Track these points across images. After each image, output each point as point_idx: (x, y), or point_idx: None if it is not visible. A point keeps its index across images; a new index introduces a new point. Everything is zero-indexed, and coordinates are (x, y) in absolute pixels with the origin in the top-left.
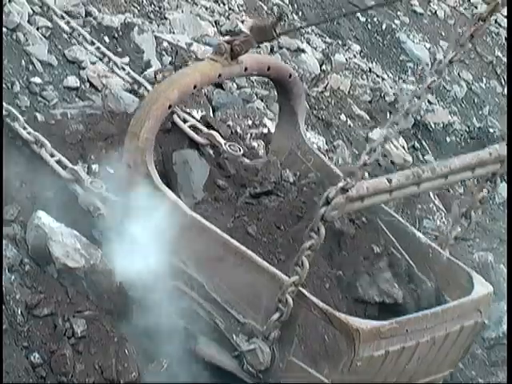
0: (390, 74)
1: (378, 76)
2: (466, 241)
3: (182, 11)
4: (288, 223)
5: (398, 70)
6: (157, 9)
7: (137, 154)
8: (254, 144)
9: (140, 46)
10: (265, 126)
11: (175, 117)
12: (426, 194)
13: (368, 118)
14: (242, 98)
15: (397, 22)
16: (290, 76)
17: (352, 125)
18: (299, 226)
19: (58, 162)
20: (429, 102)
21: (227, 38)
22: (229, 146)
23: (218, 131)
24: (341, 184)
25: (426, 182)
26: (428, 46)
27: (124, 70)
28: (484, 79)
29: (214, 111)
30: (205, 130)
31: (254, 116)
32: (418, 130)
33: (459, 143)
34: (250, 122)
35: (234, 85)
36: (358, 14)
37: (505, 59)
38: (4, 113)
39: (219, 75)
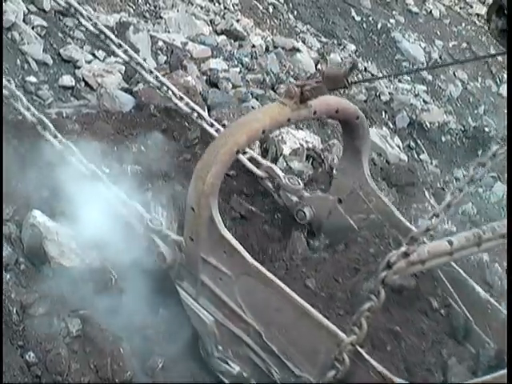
0: (386, 73)
1: (373, 75)
2: None
3: (178, 10)
4: (346, 276)
5: (393, 70)
6: (152, 8)
7: (202, 198)
8: None
9: (135, 45)
10: None
11: None
12: (421, 194)
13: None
14: (238, 97)
15: (392, 21)
16: (358, 118)
17: None
18: (357, 279)
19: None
20: (424, 101)
21: (298, 82)
22: (288, 179)
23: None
24: (403, 249)
25: (486, 243)
26: (423, 45)
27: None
28: (479, 78)
29: (209, 110)
30: (264, 162)
31: None
32: (413, 129)
33: (454, 142)
34: None
35: (230, 84)
36: (353, 13)
37: (500, 58)
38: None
39: (288, 119)
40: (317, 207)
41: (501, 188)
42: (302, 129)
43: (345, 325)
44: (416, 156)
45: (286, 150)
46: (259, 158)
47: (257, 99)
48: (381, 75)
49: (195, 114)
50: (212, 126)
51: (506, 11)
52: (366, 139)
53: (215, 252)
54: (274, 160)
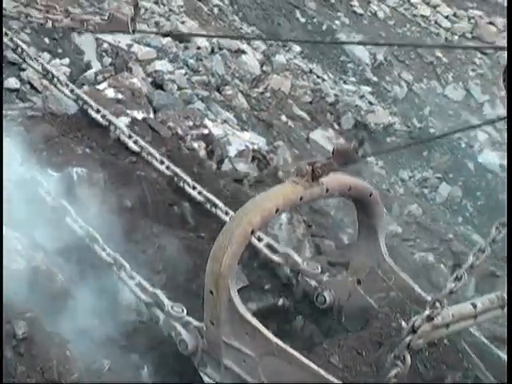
0: (331, 75)
1: (318, 77)
2: (407, 241)
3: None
4: (369, 350)
5: (338, 71)
6: (97, 10)
7: (219, 280)
8: (195, 145)
9: (80, 47)
10: (205, 126)
11: None
12: None
13: (309, 118)
14: (183, 98)
15: (337, 22)
16: (371, 195)
17: (293, 125)
18: (381, 352)
19: (138, 284)
20: (369, 102)
21: (309, 160)
22: (307, 264)
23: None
24: (427, 312)
25: None
26: (368, 46)
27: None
28: (424, 80)
29: (155, 112)
30: (280, 249)
31: (195, 117)
32: (358, 130)
33: (399, 144)
34: (190, 123)
35: (175, 86)
36: (298, 14)
37: (445, 59)
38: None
39: (301, 198)
40: (336, 290)
41: (446, 189)
42: (247, 130)
43: None
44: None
45: (232, 152)
46: (276, 245)
47: (202, 101)
48: (326, 77)
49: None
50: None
51: None
52: (380, 216)
53: (237, 334)
54: (220, 162)
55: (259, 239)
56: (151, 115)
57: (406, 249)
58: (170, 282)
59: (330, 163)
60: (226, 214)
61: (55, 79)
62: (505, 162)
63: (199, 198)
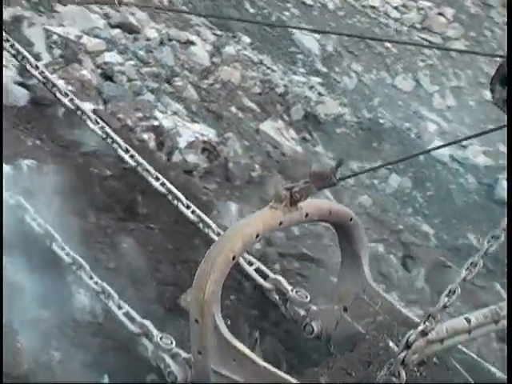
0: (280, 66)
1: (268, 68)
2: None
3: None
4: (358, 369)
5: (288, 62)
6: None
7: (204, 307)
8: (145, 136)
9: (30, 38)
10: (155, 118)
11: (241, 259)
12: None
13: (259, 110)
14: (133, 90)
15: (286, 13)
16: (351, 219)
17: (243, 117)
18: (370, 370)
19: (126, 314)
20: (319, 93)
21: (287, 185)
22: (295, 292)
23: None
24: (421, 327)
25: (504, 319)
26: (318, 37)
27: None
28: (374, 70)
29: (104, 104)
30: (271, 275)
31: (145, 109)
32: (308, 121)
33: (349, 134)
34: (140, 115)
35: (125, 77)
36: (247, 5)
37: (394, 50)
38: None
39: (280, 223)
40: (324, 319)
41: (396, 179)
42: (197, 122)
43: None
44: (311, 148)
45: (182, 143)
46: (267, 271)
47: (152, 92)
48: (275, 68)
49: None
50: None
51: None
52: (362, 241)
53: (225, 362)
54: (170, 153)
55: (250, 263)
56: (101, 107)
57: None
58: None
59: (308, 187)
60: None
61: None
62: (455, 153)
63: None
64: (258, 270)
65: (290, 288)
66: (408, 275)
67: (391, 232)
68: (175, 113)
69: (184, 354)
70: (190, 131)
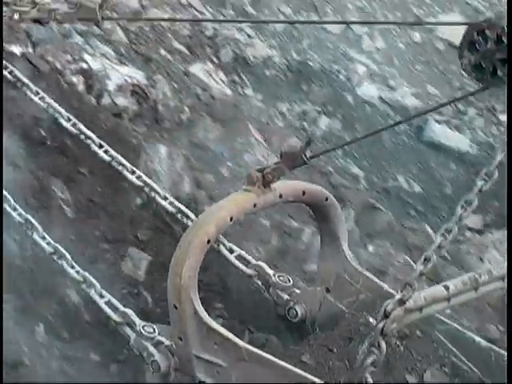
0: (210, 9)
1: (197, 10)
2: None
3: None
4: (340, 345)
5: (216, 5)
6: None
7: (182, 293)
8: (74, 79)
9: None
10: (84, 61)
11: (221, 247)
12: (246, 128)
13: (187, 52)
14: (61, 33)
15: None
16: (327, 199)
17: (172, 59)
18: (352, 345)
19: (108, 303)
20: (248, 35)
21: (258, 167)
22: (278, 276)
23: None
24: (398, 296)
25: (483, 286)
26: None
27: None
28: (303, 13)
29: (34, 47)
30: (253, 261)
31: (73, 51)
32: (237, 63)
33: (278, 76)
34: (69, 58)
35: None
36: None
37: None
38: None
39: (254, 205)
40: (307, 302)
41: (325, 121)
42: (126, 65)
43: None
44: (240, 91)
45: (111, 86)
46: (247, 256)
47: (81, 35)
48: (205, 11)
49: None
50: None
51: (478, 46)
52: (340, 220)
53: (206, 346)
54: (99, 96)
55: (231, 251)
56: (30, 50)
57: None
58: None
59: (280, 167)
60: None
61: None
62: (384, 95)
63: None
64: (239, 257)
65: (272, 273)
66: None
67: (321, 174)
68: (104, 55)
69: (167, 342)
70: (119, 74)
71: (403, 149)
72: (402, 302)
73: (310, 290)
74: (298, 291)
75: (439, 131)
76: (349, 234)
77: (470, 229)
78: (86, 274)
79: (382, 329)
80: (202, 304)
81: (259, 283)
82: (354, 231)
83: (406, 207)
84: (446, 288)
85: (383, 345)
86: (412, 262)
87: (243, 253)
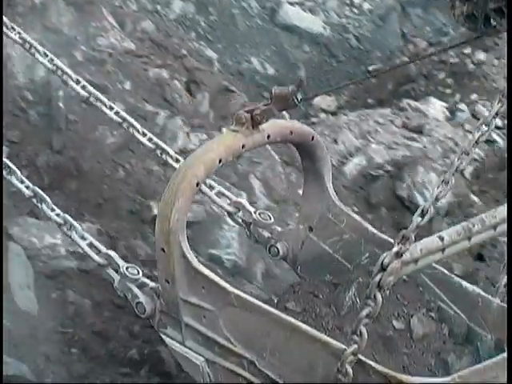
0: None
1: None
2: (140, 58)
3: None
4: (325, 291)
5: None
6: None
7: (170, 236)
8: None
9: None
10: None
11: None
12: (99, 11)
13: None
14: None
15: None
16: (313, 138)
17: None
18: (338, 291)
19: (90, 245)
20: None
21: (247, 108)
22: (259, 213)
23: None
24: (395, 249)
25: (476, 235)
26: None
27: None
28: None
29: None
30: (233, 197)
31: None
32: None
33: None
34: None
35: None
36: None
37: None
38: None
39: (243, 146)
40: (289, 240)
41: (178, 4)
42: None
43: (338, 337)
44: None
45: None
46: (228, 193)
47: None
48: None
49: None
50: None
51: None
52: (325, 160)
53: (194, 290)
54: None
55: (210, 187)
56: None
57: (139, 65)
58: None
59: (270, 109)
60: None
61: None
62: None
63: None
64: (219, 194)
65: (252, 210)
66: (192, 100)
67: (175, 57)
68: None
69: (151, 284)
70: None
71: (257, 31)
72: (398, 254)
73: (292, 228)
74: (279, 229)
75: (293, 13)
76: (204, 117)
77: (323, 110)
78: (67, 216)
79: (379, 282)
80: None
81: (240, 220)
82: (208, 114)
83: (260, 89)
84: (441, 239)
85: (379, 297)
86: None
87: (223, 190)
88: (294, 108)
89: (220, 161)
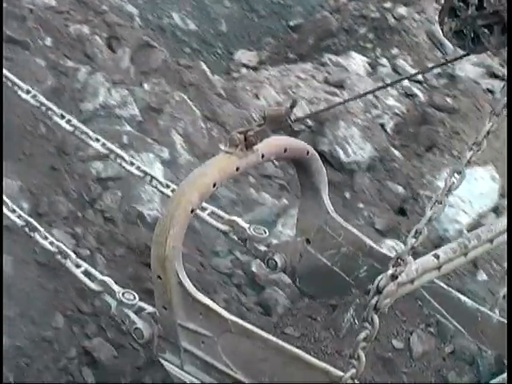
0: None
1: None
2: (61, 14)
3: None
4: (323, 313)
5: None
6: None
7: (166, 263)
8: None
9: None
10: None
11: None
12: None
13: None
14: None
15: None
16: (308, 153)
17: None
18: (336, 314)
19: (85, 272)
20: None
21: (240, 129)
22: (253, 229)
23: None
24: (390, 271)
25: (472, 251)
26: None
27: None
28: None
29: None
30: (226, 216)
31: None
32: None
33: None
34: None
35: None
36: None
37: None
38: None
39: (237, 168)
40: (287, 253)
41: None
42: None
43: (337, 362)
44: None
45: None
46: (221, 213)
47: None
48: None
49: None
50: None
51: (458, 12)
52: (321, 174)
53: (191, 316)
54: None
55: (203, 209)
56: None
57: (60, 21)
58: None
59: (263, 130)
60: None
61: None
62: None
63: None
64: (211, 214)
65: (247, 226)
66: (113, 56)
67: (96, 13)
68: None
69: (149, 309)
70: None
71: None
72: (394, 276)
73: (290, 240)
74: (275, 241)
75: None
76: (125, 72)
77: (245, 65)
78: (60, 244)
79: (375, 304)
80: None
81: (235, 238)
82: (129, 69)
83: (181, 45)
84: (437, 257)
85: (376, 320)
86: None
87: (215, 209)
88: (288, 128)
89: (214, 185)
